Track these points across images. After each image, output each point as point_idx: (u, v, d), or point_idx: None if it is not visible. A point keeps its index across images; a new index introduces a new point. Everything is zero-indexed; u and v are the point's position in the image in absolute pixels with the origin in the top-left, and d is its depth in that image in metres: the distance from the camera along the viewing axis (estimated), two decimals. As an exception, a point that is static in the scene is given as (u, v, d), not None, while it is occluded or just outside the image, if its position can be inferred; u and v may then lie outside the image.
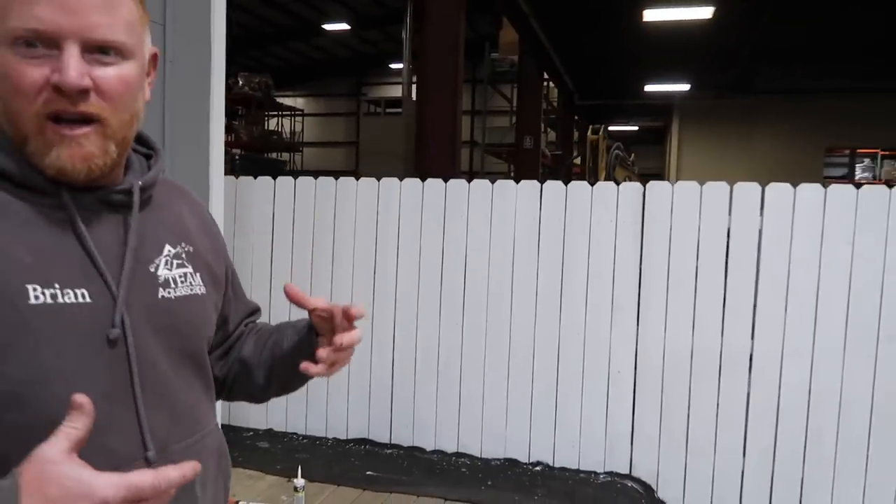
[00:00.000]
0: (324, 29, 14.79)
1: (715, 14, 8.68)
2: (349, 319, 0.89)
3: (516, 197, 3.53)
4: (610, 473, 3.42)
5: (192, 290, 0.87)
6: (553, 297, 3.49)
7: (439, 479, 3.36)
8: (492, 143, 12.14)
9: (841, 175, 13.50)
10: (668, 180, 13.47)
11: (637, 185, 3.40)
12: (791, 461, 3.20)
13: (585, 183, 3.51)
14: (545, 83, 12.22)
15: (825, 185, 3.15)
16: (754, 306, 3.22)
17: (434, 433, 3.68)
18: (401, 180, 3.72)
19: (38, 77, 0.72)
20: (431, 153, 6.70)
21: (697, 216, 3.27)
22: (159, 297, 0.82)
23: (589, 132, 7.61)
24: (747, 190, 3.22)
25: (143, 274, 0.81)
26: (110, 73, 0.76)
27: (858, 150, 13.08)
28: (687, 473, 3.33)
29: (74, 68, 0.72)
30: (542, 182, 3.55)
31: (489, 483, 3.32)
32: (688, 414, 3.32)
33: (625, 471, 3.42)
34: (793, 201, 3.15)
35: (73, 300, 0.72)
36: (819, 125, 11.98)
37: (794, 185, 3.18)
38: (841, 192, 3.12)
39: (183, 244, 0.89)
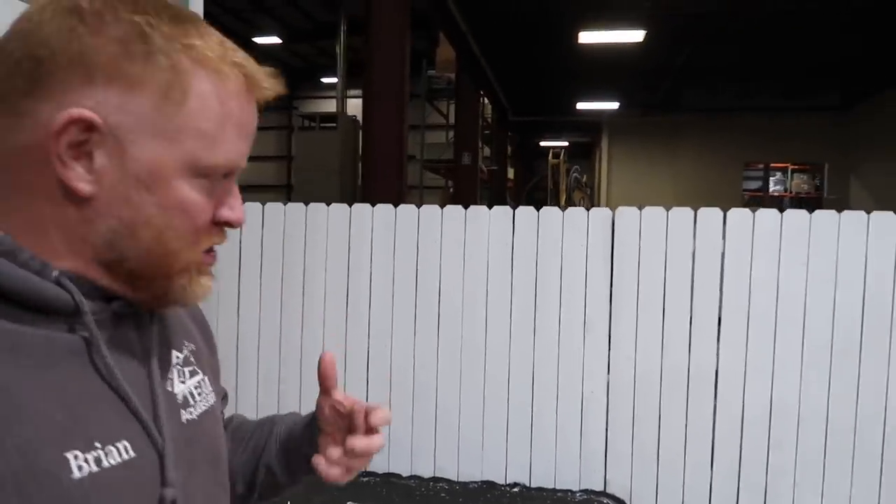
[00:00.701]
0: (254, 42, 14.53)
1: (646, 37, 9.09)
2: (369, 423, 0.75)
3: (489, 222, 3.59)
4: (585, 491, 3.50)
5: (207, 402, 0.73)
6: (527, 320, 3.55)
7: (420, 506, 3.35)
8: (430, 159, 12.22)
9: (756, 188, 14.39)
10: (599, 195, 13.97)
11: (606, 210, 3.52)
12: (755, 472, 3.37)
13: (557, 208, 3.60)
14: (480, 99, 12.42)
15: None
16: (718, 325, 3.38)
17: (410, 458, 3.67)
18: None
19: (209, 212, 0.63)
20: (379, 170, 6.71)
21: (664, 240, 3.42)
22: (183, 421, 0.68)
23: (550, 156, 7.84)
24: (710, 215, 3.40)
25: (165, 398, 0.66)
26: None
27: (772, 165, 13.99)
28: (658, 488, 3.46)
29: (242, 204, 0.67)
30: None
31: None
32: (658, 430, 3.45)
33: (599, 487, 3.51)
34: (752, 225, 3.34)
35: (117, 460, 0.58)
36: (738, 142, 12.71)
37: (746, 208, 3.38)
38: (795, 216, 3.33)
39: (185, 342, 0.75)
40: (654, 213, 3.43)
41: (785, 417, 3.33)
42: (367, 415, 0.75)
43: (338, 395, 0.79)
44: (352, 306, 3.70)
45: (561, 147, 11.73)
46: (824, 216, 3.30)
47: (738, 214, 3.37)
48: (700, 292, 3.39)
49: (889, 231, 3.22)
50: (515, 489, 3.54)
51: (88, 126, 0.56)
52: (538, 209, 3.59)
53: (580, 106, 12.40)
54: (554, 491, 3.52)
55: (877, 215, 3.23)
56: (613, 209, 3.58)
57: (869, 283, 3.24)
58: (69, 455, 0.55)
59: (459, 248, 3.60)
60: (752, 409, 3.36)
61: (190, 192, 0.61)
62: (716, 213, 3.39)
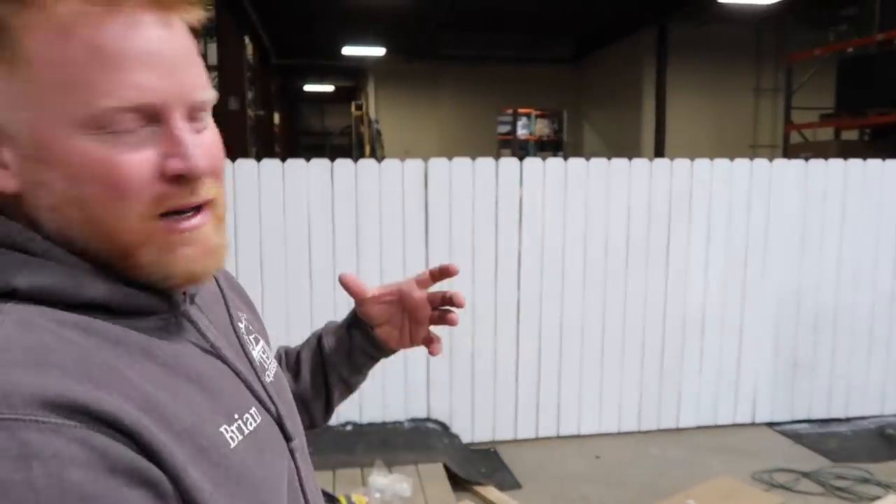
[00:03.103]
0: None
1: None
2: (445, 276, 0.86)
3: (308, 175, 3.63)
4: (413, 420, 3.84)
5: (275, 364, 0.78)
6: (349, 267, 3.71)
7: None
8: (191, 103, 11.39)
9: (507, 132, 15.78)
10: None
11: (420, 161, 3.76)
12: (550, 381, 3.98)
13: (374, 161, 3.76)
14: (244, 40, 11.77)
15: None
16: (518, 262, 3.87)
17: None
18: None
19: (145, 168, 0.55)
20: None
21: (471, 187, 3.78)
22: (267, 383, 0.71)
23: (353, 108, 7.77)
24: (509, 164, 3.82)
25: (253, 363, 0.71)
26: (211, 141, 0.60)
27: (519, 111, 15.39)
28: (474, 407, 3.92)
29: (197, 146, 0.57)
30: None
31: (310, 449, 3.48)
32: (472, 357, 3.88)
33: (424, 415, 3.87)
34: (543, 174, 3.84)
35: (252, 426, 0.63)
36: (491, 89, 13.74)
37: (554, 157, 3.87)
38: (577, 164, 3.89)
39: (240, 314, 0.76)
40: (462, 163, 3.76)
41: (572, 331, 3.96)
42: (443, 272, 0.87)
43: (377, 291, 0.88)
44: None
45: (360, 102, 11.71)
46: (598, 164, 3.90)
47: (533, 164, 3.84)
48: (503, 233, 3.83)
49: (644, 175, 3.93)
50: (348, 427, 3.76)
51: None
52: (351, 160, 3.72)
53: (346, 51, 12.39)
54: (384, 424, 3.81)
55: (637, 162, 3.91)
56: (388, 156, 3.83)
57: (631, 219, 3.93)
58: (222, 430, 0.59)
59: (279, 203, 3.60)
60: (546, 329, 3.93)
61: (92, 151, 0.53)
62: (514, 162, 3.83)
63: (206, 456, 0.56)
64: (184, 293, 0.64)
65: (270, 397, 0.69)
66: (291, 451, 0.70)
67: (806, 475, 3.48)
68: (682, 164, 3.97)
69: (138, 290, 0.58)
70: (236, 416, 0.61)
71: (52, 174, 0.54)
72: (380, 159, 3.81)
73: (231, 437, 0.59)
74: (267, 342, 0.82)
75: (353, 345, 0.93)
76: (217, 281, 0.73)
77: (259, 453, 0.62)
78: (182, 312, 0.63)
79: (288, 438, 0.69)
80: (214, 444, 0.57)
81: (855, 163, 4.12)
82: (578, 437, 4.00)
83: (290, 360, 0.99)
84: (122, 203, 0.55)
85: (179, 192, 0.57)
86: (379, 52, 12.34)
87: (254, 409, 0.65)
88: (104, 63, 0.52)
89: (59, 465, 0.46)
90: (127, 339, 0.56)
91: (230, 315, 0.71)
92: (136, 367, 0.55)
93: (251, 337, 0.75)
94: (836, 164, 4.11)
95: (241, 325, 0.74)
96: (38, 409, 0.46)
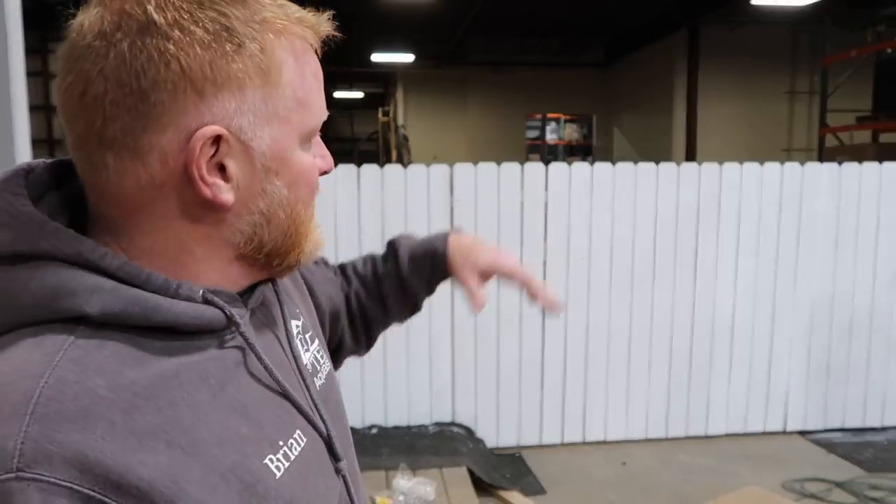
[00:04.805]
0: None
1: (441, -7, 9.37)
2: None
3: (335, 181, 3.67)
4: (437, 423, 3.85)
5: (329, 363, 0.76)
6: (376, 274, 3.73)
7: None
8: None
9: (535, 136, 15.75)
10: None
11: (445, 166, 3.78)
12: (576, 386, 3.95)
13: (399, 166, 3.79)
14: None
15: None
16: (544, 265, 3.86)
17: (268, 417, 3.72)
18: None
19: (317, 168, 0.64)
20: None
21: (496, 192, 3.78)
22: (318, 388, 0.70)
23: (380, 114, 7.86)
24: (534, 169, 3.82)
25: (310, 378, 0.69)
26: None
27: (548, 116, 15.35)
28: (499, 412, 3.91)
29: None
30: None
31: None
32: (497, 362, 3.88)
33: (448, 419, 3.88)
34: (569, 178, 3.83)
35: (298, 450, 0.61)
36: (519, 94, 13.72)
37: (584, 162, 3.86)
38: (602, 169, 3.87)
39: (297, 311, 0.75)
40: (487, 168, 3.77)
41: (598, 336, 3.93)
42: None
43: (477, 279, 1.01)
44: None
45: (387, 108, 11.86)
46: (625, 168, 3.87)
47: (557, 168, 3.84)
48: (528, 237, 3.82)
49: (672, 179, 3.89)
50: (374, 430, 3.78)
51: (215, 139, 0.55)
52: (377, 166, 3.76)
53: (375, 57, 12.48)
54: (409, 428, 3.83)
55: (664, 166, 3.88)
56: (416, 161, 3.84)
57: (658, 223, 3.90)
58: (267, 461, 0.57)
59: (306, 207, 3.65)
60: (572, 332, 3.91)
61: (305, 159, 0.61)
62: (539, 167, 3.82)
63: (253, 492, 0.56)
64: (245, 306, 0.63)
65: (321, 415, 0.67)
66: (340, 472, 0.68)
67: (839, 485, 3.40)
68: (710, 168, 3.92)
69: (206, 307, 0.57)
70: (281, 443, 0.60)
71: (279, 182, 0.59)
72: (406, 165, 3.84)
73: (277, 467, 0.58)
74: (321, 336, 0.81)
75: (434, 276, 1.04)
76: (273, 282, 0.70)
77: (303, 477, 0.61)
78: (241, 332, 0.60)
79: (337, 458, 0.68)
80: (259, 478, 0.56)
81: (890, 166, 4.02)
82: (605, 443, 3.97)
83: (366, 279, 1.03)
84: (312, 199, 0.64)
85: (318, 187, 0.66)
86: (408, 58, 12.41)
87: (298, 431, 0.63)
88: (318, 87, 0.62)
89: None
90: (182, 371, 0.56)
91: (284, 319, 0.70)
92: (187, 402, 0.54)
93: (307, 336, 0.74)
94: (870, 167, 4.02)
95: (297, 328, 0.72)
96: (76, 474, 0.46)
